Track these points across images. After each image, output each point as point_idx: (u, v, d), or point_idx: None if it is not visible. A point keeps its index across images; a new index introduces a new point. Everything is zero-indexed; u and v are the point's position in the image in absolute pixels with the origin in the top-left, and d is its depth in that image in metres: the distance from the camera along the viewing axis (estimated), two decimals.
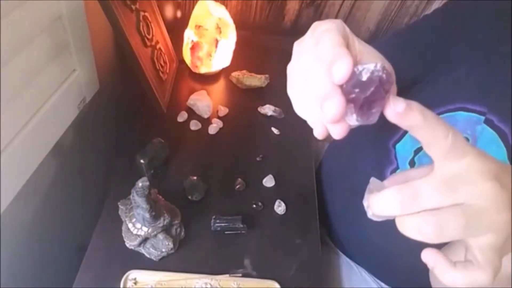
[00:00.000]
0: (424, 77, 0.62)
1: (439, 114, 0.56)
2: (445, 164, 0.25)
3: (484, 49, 0.54)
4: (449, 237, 0.25)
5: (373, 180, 0.30)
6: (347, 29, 0.30)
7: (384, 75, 0.24)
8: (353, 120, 0.26)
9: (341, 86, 0.26)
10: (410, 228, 0.25)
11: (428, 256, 0.26)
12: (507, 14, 0.53)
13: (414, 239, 0.26)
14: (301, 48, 0.31)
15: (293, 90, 0.32)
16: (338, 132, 0.28)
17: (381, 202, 0.26)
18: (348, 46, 0.29)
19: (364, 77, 0.25)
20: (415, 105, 0.24)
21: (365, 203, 0.28)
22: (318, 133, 0.30)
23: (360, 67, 0.25)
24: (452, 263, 0.26)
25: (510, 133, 0.50)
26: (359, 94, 0.25)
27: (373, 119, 0.26)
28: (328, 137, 0.30)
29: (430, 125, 0.25)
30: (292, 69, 0.32)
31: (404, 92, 0.64)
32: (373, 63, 0.25)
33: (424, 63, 0.62)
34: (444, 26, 0.60)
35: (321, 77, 0.27)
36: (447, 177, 0.25)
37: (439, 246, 0.32)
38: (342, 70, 0.25)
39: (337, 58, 0.26)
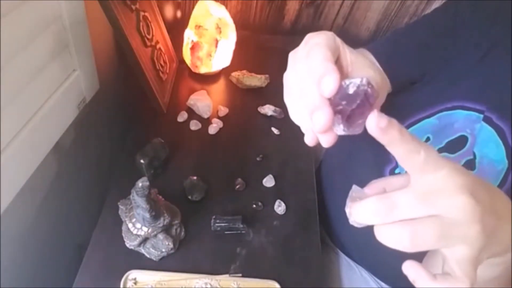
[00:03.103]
0: (423, 76, 0.62)
1: (437, 112, 0.57)
2: (421, 177, 0.26)
3: (482, 48, 0.54)
4: (424, 247, 0.26)
5: (354, 188, 0.31)
6: (338, 41, 0.32)
7: (369, 89, 0.26)
8: (340, 130, 0.28)
9: (329, 99, 0.28)
10: (386, 237, 0.26)
11: (409, 269, 0.28)
12: (504, 13, 0.53)
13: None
14: (295, 58, 0.33)
15: (288, 98, 0.34)
16: (326, 140, 0.30)
17: (361, 210, 0.27)
18: (339, 57, 0.31)
19: (351, 91, 0.27)
20: (395, 122, 0.26)
21: (347, 210, 0.29)
22: (309, 140, 0.32)
23: (347, 81, 0.27)
24: (432, 276, 0.27)
25: (509, 131, 0.50)
26: (346, 106, 0.27)
27: (359, 129, 0.27)
28: (318, 144, 0.32)
29: (405, 143, 0.26)
30: (287, 78, 0.34)
31: (403, 91, 0.64)
32: (359, 78, 0.26)
33: (422, 62, 0.62)
34: (443, 25, 0.60)
35: (311, 90, 0.28)
36: (423, 190, 0.26)
37: (421, 255, 0.34)
38: (329, 85, 0.27)
39: (325, 73, 0.27)
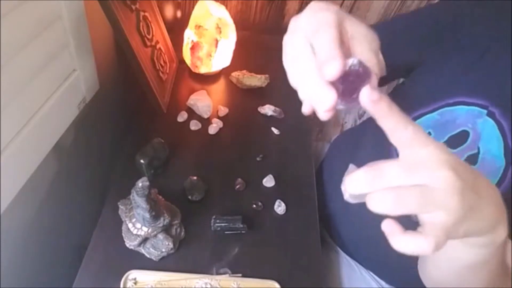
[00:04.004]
0: (419, 65, 0.63)
1: (438, 108, 0.57)
2: (409, 152, 0.29)
3: (483, 43, 0.54)
4: (405, 210, 0.28)
5: (351, 166, 0.34)
6: (341, 14, 0.33)
7: (360, 69, 0.30)
8: (338, 105, 0.31)
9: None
10: (374, 201, 0.28)
11: (385, 225, 0.30)
12: (506, 9, 0.53)
13: None
14: (296, 26, 0.34)
15: (287, 64, 0.35)
16: (324, 115, 0.32)
17: (353, 180, 0.29)
18: (340, 34, 0.32)
19: (345, 68, 0.30)
20: (385, 97, 0.29)
21: (343, 187, 0.31)
22: (305, 110, 0.34)
23: None
24: (402, 230, 0.29)
25: (509, 127, 0.50)
26: (340, 84, 0.30)
27: (355, 104, 0.31)
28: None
29: (393, 116, 0.29)
30: (286, 44, 0.36)
31: (404, 84, 0.64)
32: (351, 59, 0.30)
33: (419, 51, 0.63)
34: (444, 18, 0.60)
35: (312, 72, 0.31)
36: (410, 162, 0.29)
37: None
38: (333, 71, 0.29)
39: (331, 59, 0.29)
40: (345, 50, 0.32)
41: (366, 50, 0.33)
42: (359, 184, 0.29)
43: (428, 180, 0.28)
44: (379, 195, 0.28)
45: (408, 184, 0.28)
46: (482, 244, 0.34)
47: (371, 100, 0.29)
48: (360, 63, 0.30)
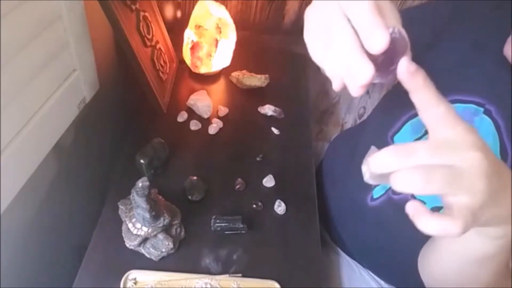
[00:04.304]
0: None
1: None
2: (438, 131, 0.29)
3: (480, 41, 0.55)
4: (432, 190, 0.27)
5: (373, 148, 0.33)
6: None
7: (399, 38, 0.28)
8: (376, 78, 0.29)
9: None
10: (401, 180, 0.28)
11: (410, 206, 0.29)
12: (503, 5, 0.53)
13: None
14: None
15: (311, 37, 0.33)
16: (358, 91, 0.30)
17: (380, 158, 0.28)
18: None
19: None
20: (422, 71, 0.29)
21: (364, 167, 0.31)
22: (336, 86, 0.32)
23: None
24: (429, 211, 0.28)
25: (503, 124, 0.50)
26: (378, 54, 0.28)
27: (392, 77, 0.30)
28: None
29: (427, 92, 0.29)
30: (311, 15, 0.33)
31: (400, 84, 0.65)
32: (390, 27, 0.28)
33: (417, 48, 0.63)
34: (440, 15, 0.61)
35: (350, 43, 0.29)
36: (439, 141, 0.29)
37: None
38: (381, 42, 0.27)
39: (375, 29, 0.27)
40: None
41: (395, 23, 0.31)
42: (385, 162, 0.28)
43: (456, 161, 0.28)
44: (407, 173, 0.28)
45: (436, 163, 0.28)
46: (496, 236, 0.34)
47: (409, 72, 0.28)
48: (400, 31, 0.28)
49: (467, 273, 0.41)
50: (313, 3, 0.33)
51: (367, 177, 0.31)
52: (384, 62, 0.29)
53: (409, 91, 0.29)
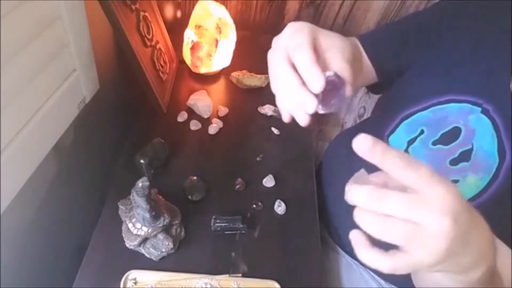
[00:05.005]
0: (408, 68, 0.65)
1: (430, 106, 0.59)
2: (417, 188, 0.29)
3: (474, 41, 0.55)
4: (390, 240, 0.29)
5: (362, 171, 0.35)
6: (315, 30, 0.39)
7: (336, 79, 0.36)
8: (319, 109, 0.36)
9: None
10: (361, 219, 0.29)
11: (354, 235, 0.31)
12: (498, 6, 0.54)
13: None
14: (277, 46, 0.40)
15: (270, 74, 0.42)
16: (304, 120, 0.38)
17: (354, 191, 0.30)
18: (315, 49, 0.37)
19: None
20: (380, 144, 0.29)
21: (347, 187, 0.32)
22: (285, 119, 0.41)
23: None
24: (369, 244, 0.30)
25: (502, 124, 0.50)
26: (320, 92, 0.35)
27: (334, 108, 0.37)
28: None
29: (397, 160, 0.29)
30: (269, 58, 0.41)
31: (396, 84, 0.66)
32: (328, 72, 0.36)
33: (405, 55, 0.65)
34: (429, 23, 0.62)
35: (295, 83, 0.36)
36: (414, 197, 0.28)
37: None
38: (317, 86, 0.35)
39: (313, 76, 0.35)
40: (321, 62, 0.37)
41: (339, 60, 0.37)
42: (358, 197, 0.29)
43: (424, 221, 0.28)
44: (369, 215, 0.29)
45: (404, 217, 0.28)
46: (460, 281, 0.35)
47: (368, 148, 0.29)
48: (336, 74, 0.36)
49: None
50: (272, 47, 0.41)
51: (346, 197, 0.32)
52: (326, 97, 0.36)
53: (377, 165, 0.30)
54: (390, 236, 0.28)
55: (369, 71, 0.68)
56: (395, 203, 0.28)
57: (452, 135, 0.56)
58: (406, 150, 0.59)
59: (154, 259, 0.59)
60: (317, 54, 0.36)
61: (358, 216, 0.29)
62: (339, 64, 0.37)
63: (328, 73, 0.36)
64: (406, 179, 0.29)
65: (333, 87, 0.36)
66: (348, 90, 0.36)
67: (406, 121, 0.60)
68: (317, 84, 0.34)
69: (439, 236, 0.28)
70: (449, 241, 0.28)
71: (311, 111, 0.35)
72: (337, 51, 0.38)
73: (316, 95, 0.36)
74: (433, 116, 0.58)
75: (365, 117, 1.25)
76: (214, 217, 0.64)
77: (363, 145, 0.29)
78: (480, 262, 0.33)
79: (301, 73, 0.36)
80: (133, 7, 0.71)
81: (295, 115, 0.38)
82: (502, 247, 0.38)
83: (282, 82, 0.39)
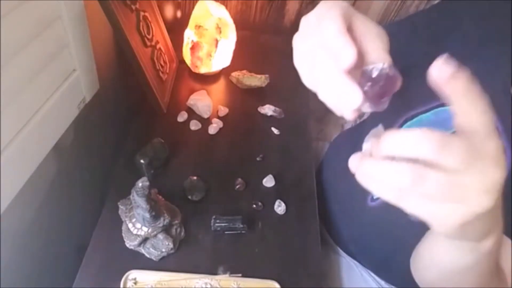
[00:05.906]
0: (409, 70, 0.64)
1: (433, 108, 0.58)
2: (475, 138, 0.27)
3: (476, 42, 0.55)
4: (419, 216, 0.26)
5: (380, 127, 0.33)
6: (351, 11, 0.31)
7: (390, 73, 0.30)
8: (367, 108, 0.31)
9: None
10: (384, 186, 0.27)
11: (351, 161, 0.29)
12: (498, 13, 0.54)
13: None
14: (306, 25, 0.32)
15: (301, 65, 0.33)
16: (350, 115, 0.31)
17: (402, 137, 0.26)
18: (349, 29, 0.30)
19: (374, 74, 0.30)
20: (462, 75, 0.27)
21: (365, 145, 0.30)
22: (336, 111, 0.32)
23: (370, 66, 0.30)
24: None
25: (501, 128, 0.50)
26: (371, 88, 0.30)
27: (383, 106, 0.31)
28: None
29: (470, 100, 0.27)
30: (297, 43, 0.33)
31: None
32: (381, 63, 0.30)
33: (404, 57, 0.64)
34: (437, 22, 0.61)
35: (333, 69, 0.29)
36: (468, 146, 0.26)
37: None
38: (348, 60, 0.28)
39: (342, 48, 0.28)
40: (357, 48, 0.29)
41: (380, 49, 0.31)
42: (409, 145, 0.26)
43: (466, 202, 0.26)
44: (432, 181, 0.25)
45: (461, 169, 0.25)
46: (473, 249, 0.34)
47: (446, 77, 0.26)
48: (390, 66, 0.30)
49: (453, 279, 0.41)
50: (299, 30, 0.33)
51: (364, 149, 0.30)
52: (377, 94, 0.30)
53: (448, 98, 0.27)
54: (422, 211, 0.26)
55: None
56: (436, 184, 0.25)
57: None
58: None
59: (154, 259, 0.59)
60: (353, 37, 0.30)
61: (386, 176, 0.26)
62: (380, 54, 0.30)
63: (381, 65, 0.29)
64: (468, 125, 0.27)
65: (386, 81, 0.29)
66: (399, 86, 0.30)
67: (409, 123, 0.60)
68: (349, 54, 0.28)
69: (491, 191, 0.26)
70: (496, 197, 0.26)
71: (355, 105, 0.29)
72: (377, 38, 0.31)
73: (365, 92, 0.29)
74: (436, 118, 0.57)
75: (365, 117, 1.25)
76: (214, 217, 0.64)
77: (442, 72, 0.26)
78: (493, 230, 0.32)
79: (329, 46, 0.29)
80: (133, 7, 0.71)
81: (339, 111, 0.31)
82: (506, 241, 0.39)
83: (318, 71, 0.31)
